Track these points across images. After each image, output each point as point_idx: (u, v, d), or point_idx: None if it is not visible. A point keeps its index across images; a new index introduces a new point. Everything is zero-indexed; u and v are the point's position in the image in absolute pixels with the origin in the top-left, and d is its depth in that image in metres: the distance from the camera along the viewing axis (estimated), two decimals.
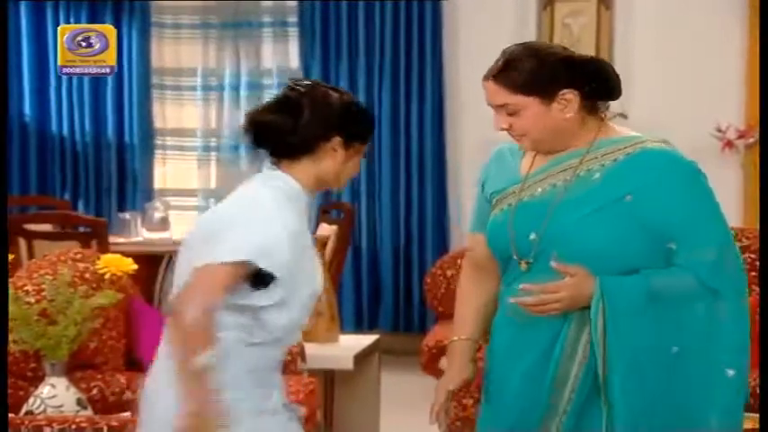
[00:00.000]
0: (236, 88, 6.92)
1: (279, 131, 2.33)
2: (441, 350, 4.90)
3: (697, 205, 2.41)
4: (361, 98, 6.74)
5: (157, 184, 7.07)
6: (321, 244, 5.17)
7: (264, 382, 2.34)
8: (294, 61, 6.90)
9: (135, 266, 4.67)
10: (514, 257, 2.45)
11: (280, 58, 6.94)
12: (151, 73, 6.99)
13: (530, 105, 2.40)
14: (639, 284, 2.38)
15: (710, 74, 6.42)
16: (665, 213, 2.38)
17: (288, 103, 2.34)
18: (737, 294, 2.41)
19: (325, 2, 6.76)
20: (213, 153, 7.00)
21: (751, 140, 6.30)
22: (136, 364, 4.42)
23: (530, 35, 6.51)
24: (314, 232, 5.41)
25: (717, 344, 2.39)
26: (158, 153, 7.08)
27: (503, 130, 2.44)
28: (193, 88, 6.97)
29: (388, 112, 6.75)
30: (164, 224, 6.51)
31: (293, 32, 6.91)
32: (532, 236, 2.41)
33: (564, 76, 2.41)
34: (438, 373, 4.88)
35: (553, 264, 2.37)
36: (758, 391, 2.62)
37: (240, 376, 2.28)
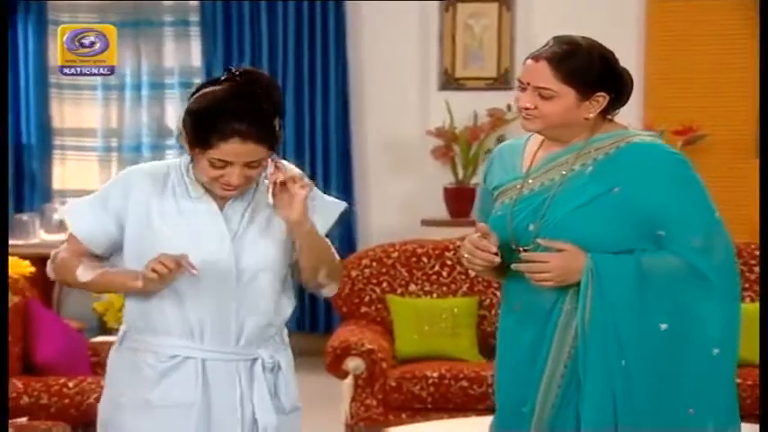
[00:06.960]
0: (137, 87, 6.82)
1: None
2: (345, 351, 4.90)
3: (682, 193, 2.50)
4: None
5: (56, 184, 6.94)
6: None
7: None
8: (196, 60, 6.83)
9: (32, 269, 4.59)
10: (512, 247, 2.57)
11: (182, 57, 6.87)
12: (48, 72, 6.86)
13: (566, 96, 2.50)
14: (630, 262, 2.48)
15: None
16: (651, 203, 2.48)
17: None
18: (725, 278, 2.50)
19: (227, 1, 6.71)
20: (114, 153, 6.89)
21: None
22: (33, 369, 4.34)
23: (433, 36, 6.55)
24: None
25: (704, 324, 2.48)
26: (57, 153, 6.95)
27: (524, 108, 2.53)
28: (93, 87, 6.86)
29: (292, 111, 6.72)
30: (63, 226, 6.40)
31: (195, 32, 6.85)
32: (531, 227, 2.54)
33: (606, 79, 2.52)
34: (342, 375, 4.88)
35: (540, 241, 2.50)
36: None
37: None
